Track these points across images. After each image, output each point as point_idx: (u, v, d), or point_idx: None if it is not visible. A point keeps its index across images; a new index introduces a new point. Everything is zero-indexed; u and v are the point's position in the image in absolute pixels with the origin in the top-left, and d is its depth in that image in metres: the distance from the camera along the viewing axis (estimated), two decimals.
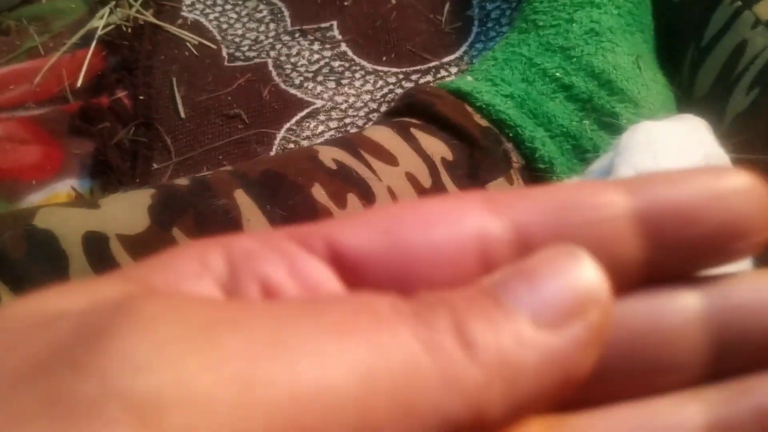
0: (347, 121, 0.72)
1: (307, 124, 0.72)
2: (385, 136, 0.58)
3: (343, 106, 0.73)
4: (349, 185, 0.54)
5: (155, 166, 0.70)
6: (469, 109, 0.61)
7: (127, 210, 0.48)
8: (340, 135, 0.70)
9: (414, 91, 0.63)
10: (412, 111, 0.61)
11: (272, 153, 0.70)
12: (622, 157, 0.47)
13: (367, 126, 0.66)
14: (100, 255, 0.45)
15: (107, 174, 0.69)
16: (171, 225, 0.48)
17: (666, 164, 0.45)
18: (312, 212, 0.51)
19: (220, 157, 0.70)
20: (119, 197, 0.50)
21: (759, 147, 0.55)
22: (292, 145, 0.70)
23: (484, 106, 0.60)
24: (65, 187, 0.70)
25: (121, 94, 0.73)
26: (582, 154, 0.60)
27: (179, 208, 0.49)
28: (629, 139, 0.48)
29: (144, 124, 0.72)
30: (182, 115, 0.72)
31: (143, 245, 0.46)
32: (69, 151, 0.72)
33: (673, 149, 0.46)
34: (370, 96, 0.74)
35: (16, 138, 0.72)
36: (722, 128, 0.59)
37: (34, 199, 0.70)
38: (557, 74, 0.61)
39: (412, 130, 0.59)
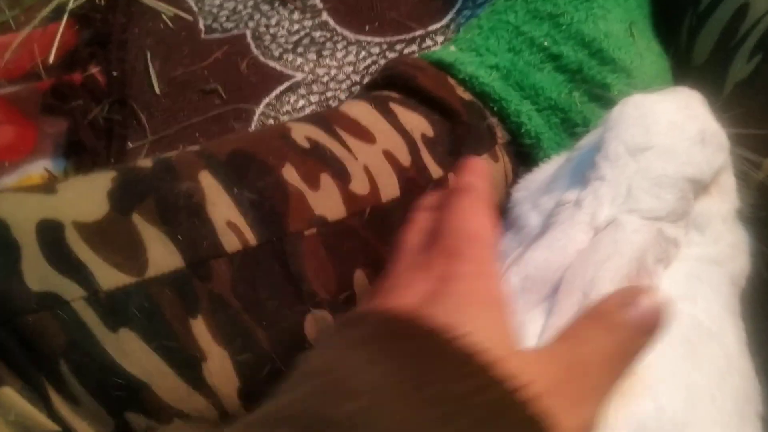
0: (329, 94, 0.69)
1: (287, 98, 0.69)
2: (362, 111, 0.55)
3: (325, 79, 0.70)
4: (323, 165, 0.51)
5: (130, 145, 0.68)
6: (452, 81, 0.57)
7: (85, 195, 0.46)
8: (323, 110, 0.67)
9: (394, 63, 0.59)
10: (391, 84, 0.58)
11: (251, 129, 0.68)
12: (613, 133, 0.44)
13: (345, 100, 0.63)
14: (54, 244, 0.43)
15: (81, 154, 0.67)
16: (131, 210, 0.45)
17: (658, 140, 0.43)
18: (283, 195, 0.49)
19: (197, 135, 0.67)
20: (78, 181, 0.48)
21: (759, 118, 0.52)
22: (271, 121, 0.68)
23: (467, 78, 0.57)
24: (38, 168, 0.68)
25: (94, 69, 0.71)
26: (571, 128, 0.57)
27: (140, 193, 0.46)
28: (620, 113, 0.45)
29: (118, 101, 0.69)
30: (157, 90, 0.69)
31: (101, 233, 0.44)
32: (42, 131, 0.70)
33: (665, 124, 0.44)
34: (352, 68, 0.70)
35: None
36: (721, 98, 0.55)
37: (7, 181, 0.68)
38: (545, 43, 0.58)
39: (391, 104, 0.56)
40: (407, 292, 0.36)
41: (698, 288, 0.40)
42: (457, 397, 0.29)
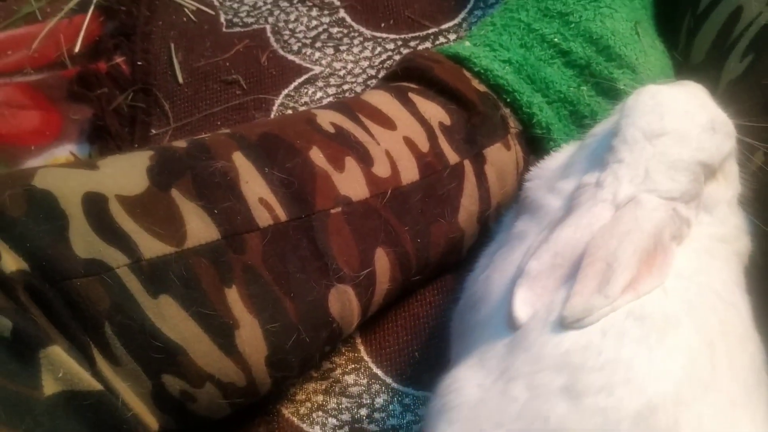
0: (345, 87, 0.72)
1: (306, 90, 0.72)
2: (383, 100, 0.58)
3: (342, 73, 0.73)
4: (347, 149, 0.54)
5: (153, 131, 0.70)
6: (467, 74, 0.61)
7: (125, 171, 0.48)
8: (345, 98, 0.70)
9: (412, 56, 0.63)
10: (410, 76, 0.61)
11: (276, 116, 0.70)
12: (629, 119, 0.47)
13: (366, 90, 0.66)
14: (99, 215, 0.45)
15: (105, 139, 0.70)
16: (169, 186, 0.48)
17: (673, 126, 0.46)
18: (310, 175, 0.51)
19: (218, 123, 0.70)
20: (118, 159, 0.51)
21: (750, 113, 0.55)
22: (290, 111, 0.70)
23: (482, 71, 0.60)
24: (64, 152, 0.71)
25: (118, 59, 0.73)
26: (579, 120, 0.61)
27: (178, 170, 0.49)
28: (636, 101, 0.48)
29: (142, 90, 0.72)
30: (180, 80, 0.72)
31: (142, 206, 0.47)
32: (67, 117, 0.72)
33: (679, 112, 0.47)
34: (368, 62, 0.73)
35: (14, 103, 0.73)
36: (716, 94, 0.59)
37: (33, 164, 0.70)
38: (555, 40, 0.61)
39: (410, 94, 0.59)
40: None
41: (711, 262, 0.44)
42: None
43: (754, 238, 0.50)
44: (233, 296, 0.47)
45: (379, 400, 0.57)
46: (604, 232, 0.41)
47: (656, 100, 0.47)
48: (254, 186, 0.49)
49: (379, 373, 0.58)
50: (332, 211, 0.51)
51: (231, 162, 0.50)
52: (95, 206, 0.46)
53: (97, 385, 0.43)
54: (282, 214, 0.50)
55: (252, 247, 0.48)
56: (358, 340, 0.60)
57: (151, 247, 0.46)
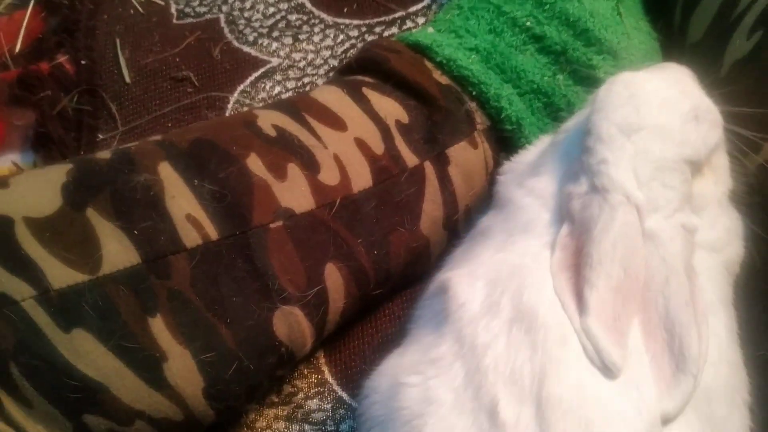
0: (306, 80, 0.66)
1: (263, 84, 0.66)
2: (333, 97, 0.53)
3: (302, 64, 0.67)
4: (290, 154, 0.48)
5: (101, 136, 0.65)
6: (429, 64, 0.55)
7: (38, 189, 0.44)
8: (292, 96, 0.65)
9: (369, 46, 0.57)
10: (365, 68, 0.55)
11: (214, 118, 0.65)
12: (602, 114, 0.42)
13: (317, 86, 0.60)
14: (2, 241, 0.41)
15: (50, 147, 0.65)
16: (85, 205, 0.43)
17: (651, 119, 0.41)
18: (247, 186, 0.46)
19: (169, 125, 0.65)
20: (33, 174, 0.46)
21: (760, 96, 0.49)
22: (246, 109, 0.65)
23: (444, 61, 0.54)
24: (6, 162, 0.65)
25: (62, 58, 0.68)
26: (554, 112, 0.54)
27: (95, 186, 0.44)
28: (607, 92, 0.43)
29: (87, 91, 0.67)
30: (127, 79, 0.67)
31: (53, 228, 0.42)
32: (10, 123, 0.67)
33: (657, 102, 0.41)
34: (330, 52, 0.68)
35: None
36: (719, 77, 0.53)
37: None
38: (528, 23, 0.55)
39: (364, 89, 0.53)
40: None
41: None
42: None
43: (749, 242, 0.45)
44: (158, 326, 0.42)
45: (345, 427, 0.53)
46: (634, 285, 0.36)
47: (630, 90, 0.42)
48: (181, 201, 0.44)
49: (345, 396, 0.54)
50: (272, 225, 0.46)
51: (156, 174, 0.45)
52: (0, 230, 0.41)
53: (8, 430, 0.39)
54: (213, 232, 0.44)
55: (178, 270, 0.43)
56: (322, 360, 0.56)
57: (61, 275, 0.41)
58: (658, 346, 0.36)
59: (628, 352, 0.36)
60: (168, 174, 0.45)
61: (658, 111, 0.41)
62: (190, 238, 0.44)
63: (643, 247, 0.37)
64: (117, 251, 0.42)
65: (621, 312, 0.36)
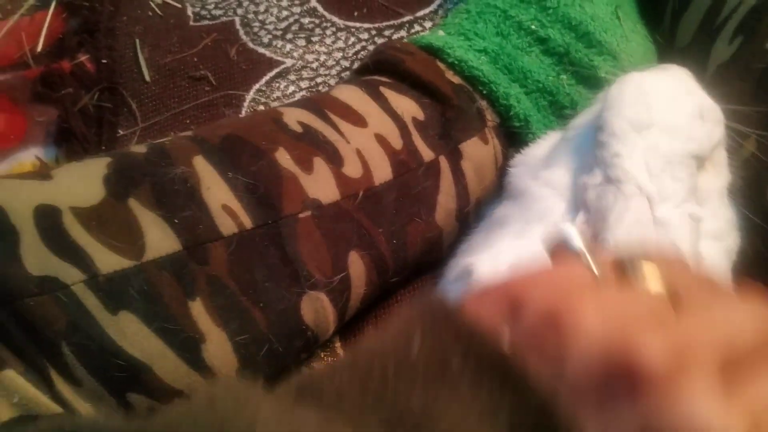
0: (318, 80, 0.69)
1: (277, 84, 0.69)
2: (353, 96, 0.56)
3: (314, 65, 0.70)
4: (316, 149, 0.51)
5: (121, 132, 0.68)
6: (441, 65, 0.58)
7: (81, 181, 0.46)
8: (313, 95, 0.68)
9: (383, 48, 0.60)
10: (381, 69, 0.58)
11: (242, 115, 0.68)
12: (614, 111, 0.45)
13: (335, 85, 0.63)
14: (52, 229, 0.43)
15: (71, 142, 0.67)
16: (127, 196, 0.46)
17: (661, 116, 0.44)
18: (277, 178, 0.49)
19: (188, 122, 0.67)
20: (73, 167, 0.48)
21: (740, 97, 0.53)
22: (261, 107, 0.68)
23: (456, 62, 0.58)
24: (29, 156, 0.68)
25: (83, 57, 0.70)
26: (559, 110, 0.58)
27: (136, 178, 0.46)
28: (619, 91, 0.46)
29: (108, 89, 0.69)
30: (147, 78, 0.69)
31: (98, 218, 0.44)
32: (32, 119, 0.69)
33: (666, 101, 0.45)
34: (341, 53, 0.71)
35: None
36: (705, 80, 0.57)
37: None
38: (532, 27, 0.59)
39: (382, 88, 0.56)
40: None
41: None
42: None
43: (743, 232, 0.48)
44: (198, 309, 0.45)
45: None
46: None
47: (641, 89, 0.45)
48: (216, 192, 0.47)
49: None
50: (301, 215, 0.49)
51: (192, 167, 0.48)
52: (48, 220, 0.43)
53: (57, 409, 0.42)
54: (247, 221, 0.47)
55: (216, 256, 0.46)
56: (338, 345, 0.58)
57: (108, 261, 0.43)
58: None
59: None
60: (203, 167, 0.48)
61: (666, 109, 0.45)
62: (226, 226, 0.47)
63: (654, 233, 0.41)
64: (159, 239, 0.45)
65: None
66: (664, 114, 0.44)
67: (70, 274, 0.42)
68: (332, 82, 0.69)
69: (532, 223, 0.44)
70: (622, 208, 0.41)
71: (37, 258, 0.42)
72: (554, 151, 0.48)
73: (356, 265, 0.51)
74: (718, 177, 0.46)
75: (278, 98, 0.68)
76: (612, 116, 0.44)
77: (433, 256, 0.58)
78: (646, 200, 0.41)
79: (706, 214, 0.43)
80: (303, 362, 0.56)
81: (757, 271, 0.49)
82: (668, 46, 0.62)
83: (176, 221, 0.45)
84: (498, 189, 0.57)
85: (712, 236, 0.44)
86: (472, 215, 0.58)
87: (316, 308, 0.50)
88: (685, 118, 0.44)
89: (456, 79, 0.57)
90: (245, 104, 0.68)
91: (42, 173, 0.47)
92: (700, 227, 0.43)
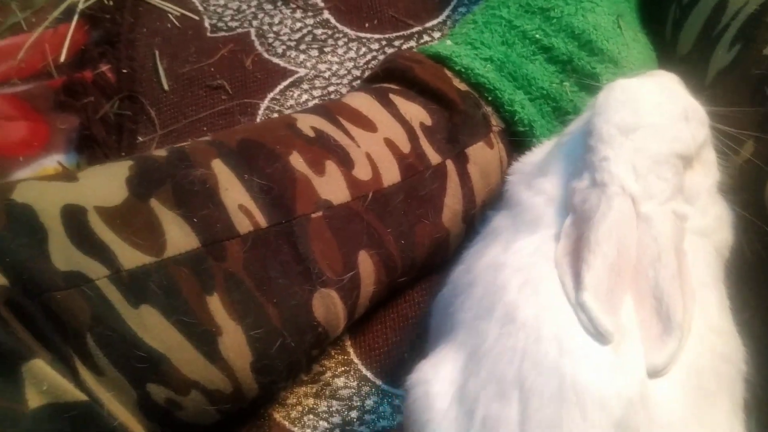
0: (331, 89, 0.72)
1: (291, 93, 0.72)
2: (363, 102, 0.58)
3: (327, 74, 0.73)
4: (328, 152, 0.54)
5: (140, 139, 0.70)
6: (449, 73, 0.60)
7: (105, 182, 0.49)
8: (325, 102, 0.70)
9: (393, 57, 0.62)
10: (390, 77, 0.61)
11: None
12: (602, 117, 0.46)
13: (347, 93, 0.66)
14: (78, 227, 0.45)
15: (93, 148, 0.70)
16: (149, 196, 0.48)
17: (647, 120, 0.46)
18: (290, 180, 0.51)
19: (204, 129, 0.70)
20: (97, 169, 0.51)
21: (739, 102, 0.54)
22: (275, 115, 0.70)
23: (463, 69, 0.60)
24: (52, 162, 0.71)
25: (104, 67, 0.73)
26: (562, 116, 0.60)
27: (157, 179, 0.49)
28: (606, 98, 0.48)
29: (128, 98, 0.72)
30: (165, 87, 0.72)
31: (122, 216, 0.47)
32: (55, 127, 0.72)
33: (651, 105, 0.46)
34: (353, 63, 0.73)
35: (1, 115, 0.73)
36: (704, 84, 0.58)
37: (21, 175, 0.70)
38: (537, 36, 0.61)
39: (391, 95, 0.59)
40: None
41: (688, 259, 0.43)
42: None
43: (737, 230, 0.49)
44: (215, 304, 0.47)
45: (369, 402, 0.57)
46: (627, 263, 0.41)
47: (627, 95, 0.47)
48: (234, 193, 0.49)
49: (369, 375, 0.58)
50: (313, 215, 0.51)
51: (210, 169, 0.50)
52: (74, 218, 0.46)
53: (82, 396, 0.44)
54: (262, 220, 0.50)
55: (232, 254, 0.48)
56: (348, 343, 0.60)
57: (131, 257, 0.46)
58: (647, 312, 0.40)
59: (620, 322, 0.40)
60: (221, 169, 0.50)
61: (652, 113, 0.46)
62: (243, 225, 0.49)
63: (636, 231, 0.42)
64: (179, 236, 0.47)
65: (614, 287, 0.41)
66: (649, 116, 0.45)
67: (94, 270, 0.45)
68: (344, 90, 0.72)
69: (521, 233, 0.46)
70: (605, 207, 0.42)
71: (64, 254, 0.44)
72: (548, 157, 0.50)
73: (366, 264, 0.53)
74: (707, 176, 0.48)
75: (292, 106, 0.71)
76: (600, 121, 0.46)
77: (441, 257, 0.60)
78: (630, 199, 0.43)
79: (694, 212, 0.45)
80: (314, 359, 0.58)
81: (756, 271, 0.50)
82: (670, 54, 0.64)
83: (195, 220, 0.48)
84: (503, 192, 0.58)
85: (700, 233, 0.45)
86: (478, 217, 0.60)
87: (327, 305, 0.52)
88: (670, 120, 0.46)
89: (463, 86, 0.60)
90: (260, 112, 0.71)
91: (68, 175, 0.50)
92: (685, 224, 0.44)
